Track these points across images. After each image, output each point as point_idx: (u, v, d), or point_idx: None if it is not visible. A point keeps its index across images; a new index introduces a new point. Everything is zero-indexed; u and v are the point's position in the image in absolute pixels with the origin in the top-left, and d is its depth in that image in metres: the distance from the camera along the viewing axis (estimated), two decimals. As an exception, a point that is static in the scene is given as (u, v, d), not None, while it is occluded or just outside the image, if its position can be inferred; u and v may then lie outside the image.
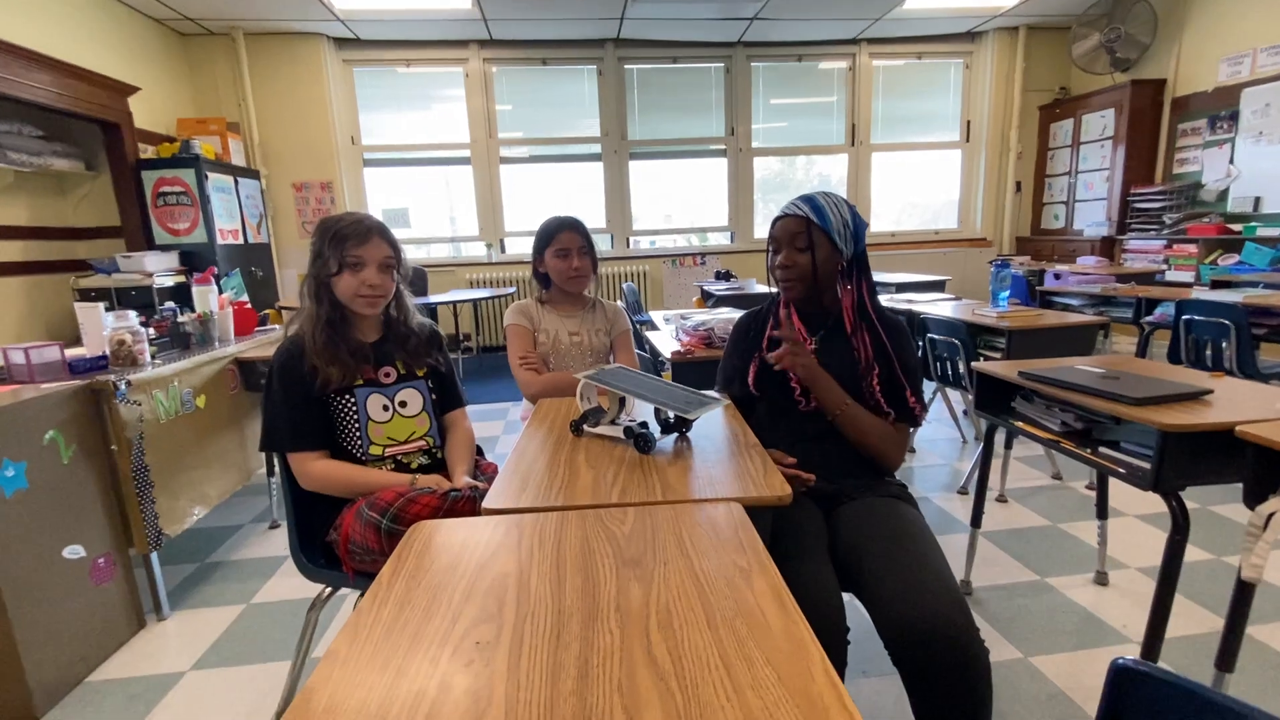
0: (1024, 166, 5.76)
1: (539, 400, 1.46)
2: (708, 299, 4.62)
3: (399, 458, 1.27)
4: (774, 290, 1.24)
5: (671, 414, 1.08)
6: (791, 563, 1.01)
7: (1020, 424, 1.51)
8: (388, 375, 1.29)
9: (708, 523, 0.79)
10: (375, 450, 1.25)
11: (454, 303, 4.70)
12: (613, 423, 1.13)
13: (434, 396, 1.34)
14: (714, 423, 1.17)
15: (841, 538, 1.09)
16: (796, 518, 1.08)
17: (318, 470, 1.20)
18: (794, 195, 1.27)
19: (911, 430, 1.13)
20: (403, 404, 1.29)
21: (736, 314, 2.38)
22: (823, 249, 1.14)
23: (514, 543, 0.77)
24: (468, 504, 1.13)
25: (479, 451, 1.42)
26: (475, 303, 5.49)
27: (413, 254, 5.97)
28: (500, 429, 3.59)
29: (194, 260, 3.81)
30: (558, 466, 0.98)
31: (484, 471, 1.34)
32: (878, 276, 4.64)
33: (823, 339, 1.20)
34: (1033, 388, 1.44)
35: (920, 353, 2.84)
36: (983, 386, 1.60)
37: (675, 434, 1.10)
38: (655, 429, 1.10)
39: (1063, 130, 5.29)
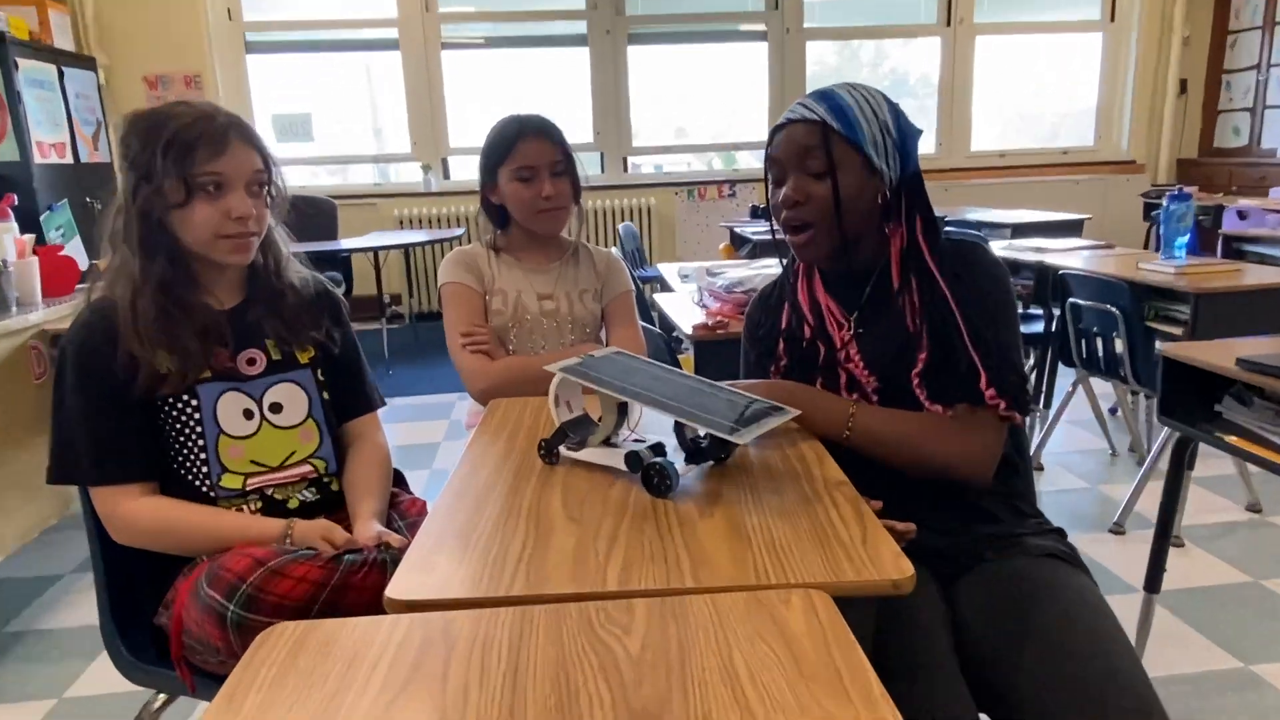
0: (1192, 58, 5.56)
1: (492, 400, 1.40)
2: (741, 245, 4.55)
3: (269, 492, 1.21)
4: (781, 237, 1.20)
5: (703, 432, 0.99)
6: (905, 681, 0.91)
7: (1233, 439, 1.39)
8: (252, 362, 1.23)
9: (774, 630, 0.66)
10: (231, 481, 1.19)
11: (375, 250, 4.60)
12: (608, 443, 1.04)
13: (326, 394, 1.29)
14: (767, 443, 1.08)
15: (971, 627, 1.03)
16: (905, 601, 0.94)
17: (137, 515, 1.13)
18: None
19: (1009, 419, 1.08)
20: (276, 407, 1.24)
21: (779, 269, 2.27)
22: (850, 172, 1.10)
23: (437, 670, 0.64)
24: (373, 574, 1.03)
25: (398, 481, 1.41)
26: (407, 250, 5.49)
27: (321, 181, 5.85)
28: (441, 433, 3.55)
29: (3, 187, 3.62)
30: (517, 518, 0.88)
31: (405, 514, 1.28)
32: (981, 214, 4.52)
33: (865, 314, 1.17)
34: (1261, 383, 1.31)
35: (1055, 325, 2.72)
36: (1171, 379, 1.49)
37: (709, 463, 1.01)
38: (676, 455, 1.01)
39: (1250, 7, 5.06)
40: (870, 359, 1.15)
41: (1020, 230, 3.94)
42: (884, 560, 0.76)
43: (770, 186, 1.16)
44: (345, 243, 4.64)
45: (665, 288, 3.13)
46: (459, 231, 5.02)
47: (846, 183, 1.09)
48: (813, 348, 1.20)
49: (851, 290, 1.19)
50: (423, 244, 5.23)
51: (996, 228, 4.12)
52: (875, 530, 0.83)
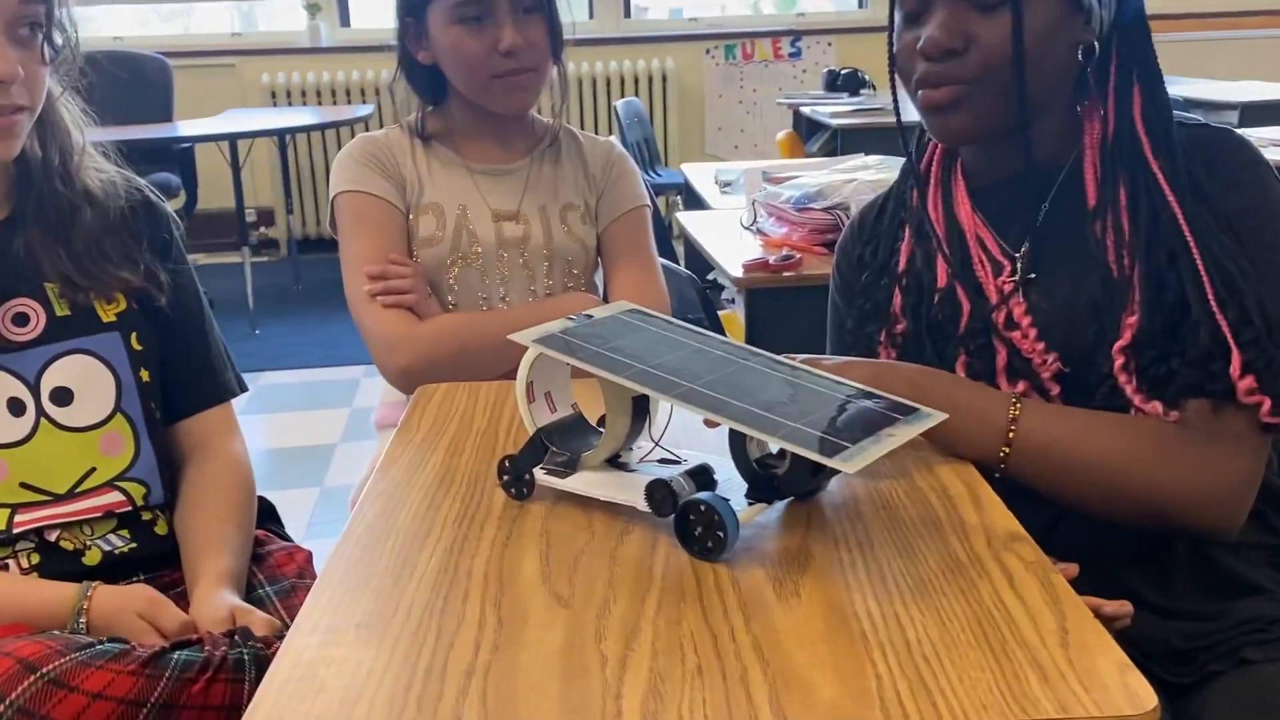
0: None
1: (421, 385, 1.40)
2: (811, 134, 4.50)
3: (51, 537, 1.23)
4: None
5: (775, 448, 0.97)
6: None
7: None
8: (21, 320, 1.25)
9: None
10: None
11: (233, 139, 4.62)
12: (616, 463, 1.05)
13: (146, 374, 1.31)
14: (882, 466, 1.07)
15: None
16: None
17: None
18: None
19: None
20: (62, 395, 1.25)
21: (885, 171, 2.26)
22: (1042, 1, 1.11)
23: None
24: (221, 685, 1.03)
25: (266, 516, 1.44)
26: (283, 139, 5.48)
27: (149, 30, 5.77)
28: (338, 428, 3.59)
29: None
30: (463, 598, 0.85)
31: (277, 575, 1.32)
32: (1188, 87, 4.43)
33: (1040, 249, 1.19)
34: None
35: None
36: None
37: (786, 500, 1.00)
38: (730, 488, 0.98)
39: None
40: (1047, 322, 1.14)
41: (1254, 113, 3.94)
42: (1104, 679, 0.70)
43: (898, 26, 1.15)
44: (185, 127, 4.60)
45: (694, 202, 3.12)
46: (365, 110, 4.98)
47: (1037, 19, 1.08)
48: (950, 302, 1.19)
49: (1018, 208, 1.19)
50: (309, 130, 5.18)
51: (1213, 109, 4.07)
52: (1082, 623, 0.77)
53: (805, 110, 4.60)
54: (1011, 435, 1.08)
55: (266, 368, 4.03)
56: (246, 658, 1.04)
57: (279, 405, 3.72)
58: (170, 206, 1.44)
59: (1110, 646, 0.75)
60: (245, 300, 4.65)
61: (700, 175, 3.21)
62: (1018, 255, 1.18)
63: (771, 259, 2.02)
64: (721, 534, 0.87)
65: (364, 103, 5.43)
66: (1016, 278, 1.17)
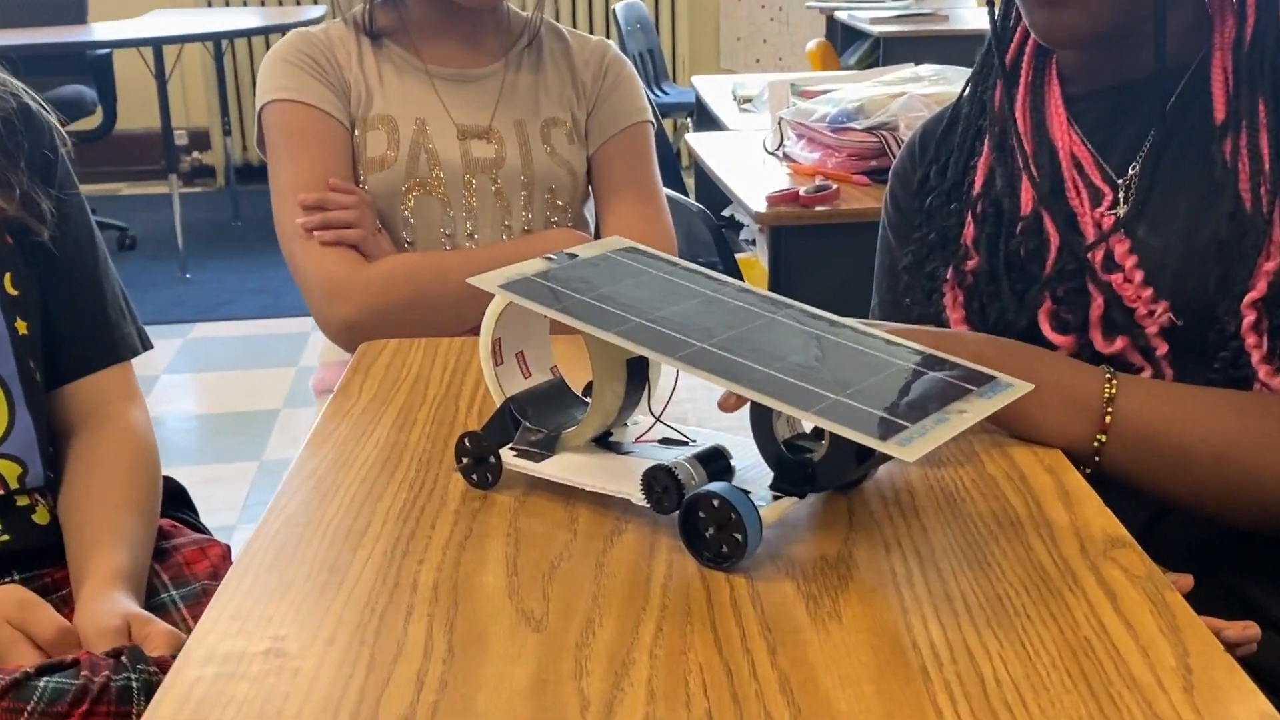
0: None
1: (365, 342, 1.41)
2: (849, 44, 4.46)
3: None
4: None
5: (808, 427, 0.95)
6: None
7: None
8: None
9: None
10: None
11: (157, 44, 4.69)
12: (605, 443, 1.04)
13: (25, 327, 1.32)
14: (942, 451, 1.07)
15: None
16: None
17: None
18: None
19: None
20: None
21: (941, 84, 2.21)
22: None
23: None
24: (97, 718, 1.00)
25: (174, 501, 1.46)
26: (218, 46, 5.62)
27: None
28: (281, 394, 3.72)
29: None
30: (407, 614, 0.83)
31: (187, 576, 1.32)
32: None
33: (1150, 175, 1.18)
34: None
35: None
36: None
37: (821, 494, 0.98)
38: (753, 474, 0.97)
39: None
40: (1156, 264, 1.13)
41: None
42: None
43: None
44: (101, 30, 4.58)
45: (707, 123, 3.12)
46: (317, 11, 4.98)
47: None
48: (1036, 236, 1.18)
49: (1125, 122, 1.18)
50: (250, 34, 5.18)
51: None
52: (1209, 657, 0.74)
53: (841, 16, 4.60)
54: (1108, 419, 1.06)
55: (198, 318, 4.06)
56: (135, 685, 1.01)
57: (212, 363, 3.74)
58: (61, 119, 1.42)
59: (1249, 690, 0.72)
60: (174, 238, 4.66)
61: (715, 90, 3.24)
62: (1122, 181, 1.16)
63: (801, 190, 2.02)
64: (739, 536, 0.84)
65: (314, 2, 5.38)
66: (1120, 210, 1.15)
